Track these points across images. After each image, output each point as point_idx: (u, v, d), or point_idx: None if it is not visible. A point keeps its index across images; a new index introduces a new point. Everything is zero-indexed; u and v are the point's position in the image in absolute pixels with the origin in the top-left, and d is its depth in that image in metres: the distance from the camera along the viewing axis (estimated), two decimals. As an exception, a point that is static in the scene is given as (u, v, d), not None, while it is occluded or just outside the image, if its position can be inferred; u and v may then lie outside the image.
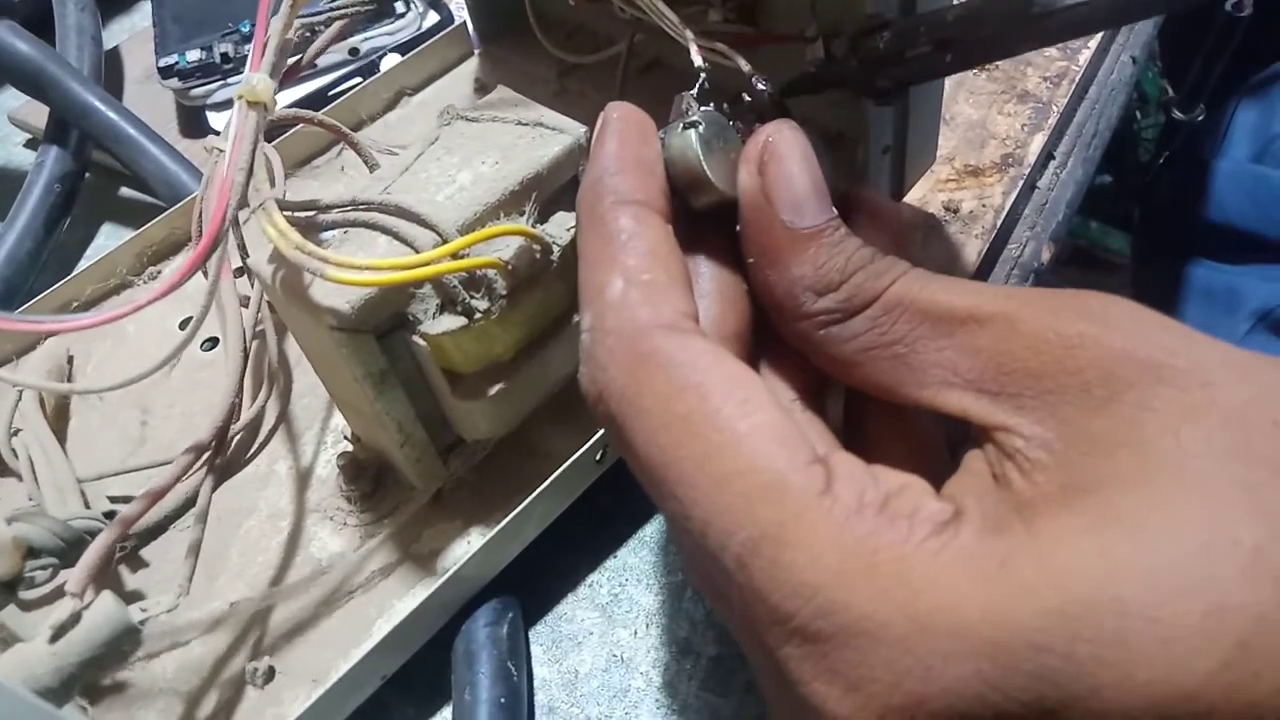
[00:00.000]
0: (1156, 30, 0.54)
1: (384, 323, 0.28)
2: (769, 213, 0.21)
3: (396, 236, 0.28)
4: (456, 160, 0.30)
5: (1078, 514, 0.16)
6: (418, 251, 0.27)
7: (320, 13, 0.35)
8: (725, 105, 0.25)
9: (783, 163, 0.21)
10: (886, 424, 0.22)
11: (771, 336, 0.22)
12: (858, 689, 0.15)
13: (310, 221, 0.29)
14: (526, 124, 0.31)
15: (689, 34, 0.28)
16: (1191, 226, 0.77)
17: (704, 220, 0.23)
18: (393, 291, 0.27)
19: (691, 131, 0.23)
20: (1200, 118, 0.80)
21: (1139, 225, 0.91)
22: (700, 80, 0.26)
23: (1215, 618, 0.14)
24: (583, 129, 0.31)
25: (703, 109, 0.24)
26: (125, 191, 0.52)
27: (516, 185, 0.29)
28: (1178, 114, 0.81)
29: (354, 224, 0.29)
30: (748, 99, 0.26)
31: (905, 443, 0.22)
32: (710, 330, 0.22)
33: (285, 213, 0.27)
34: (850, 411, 0.23)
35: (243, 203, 0.26)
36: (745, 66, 0.28)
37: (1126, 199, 0.94)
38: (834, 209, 0.21)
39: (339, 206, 0.29)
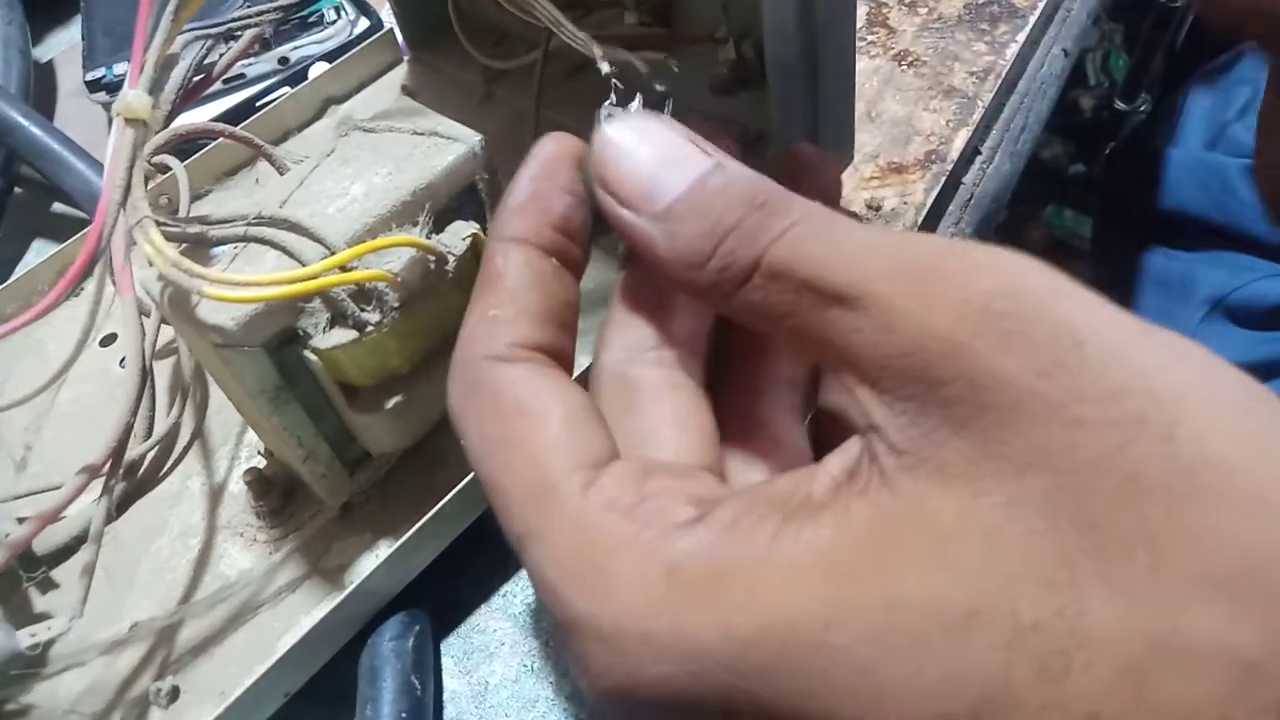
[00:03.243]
0: (1091, 21, 0.54)
1: (273, 339, 0.28)
2: (623, 214, 0.20)
3: (285, 251, 0.28)
4: (351, 172, 0.30)
5: (852, 549, 0.15)
6: (305, 265, 0.27)
7: (223, 22, 0.35)
8: (668, 100, 0.24)
9: (607, 167, 0.20)
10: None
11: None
12: (585, 673, 0.17)
13: (201, 238, 0.28)
14: (422, 133, 0.31)
15: (595, 45, 0.28)
16: (1147, 215, 0.77)
17: None
18: (280, 307, 0.27)
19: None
20: (1143, 108, 0.80)
21: (1097, 215, 0.91)
22: (612, 87, 0.26)
23: (950, 684, 0.13)
24: (478, 137, 0.30)
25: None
26: (57, 207, 0.52)
27: (408, 195, 0.29)
28: (1119, 104, 0.81)
29: (244, 239, 0.28)
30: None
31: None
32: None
33: (175, 228, 0.27)
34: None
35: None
36: (643, 69, 0.27)
37: (1097, 188, 0.94)
38: (706, 157, 0.19)
39: (228, 222, 0.29)
